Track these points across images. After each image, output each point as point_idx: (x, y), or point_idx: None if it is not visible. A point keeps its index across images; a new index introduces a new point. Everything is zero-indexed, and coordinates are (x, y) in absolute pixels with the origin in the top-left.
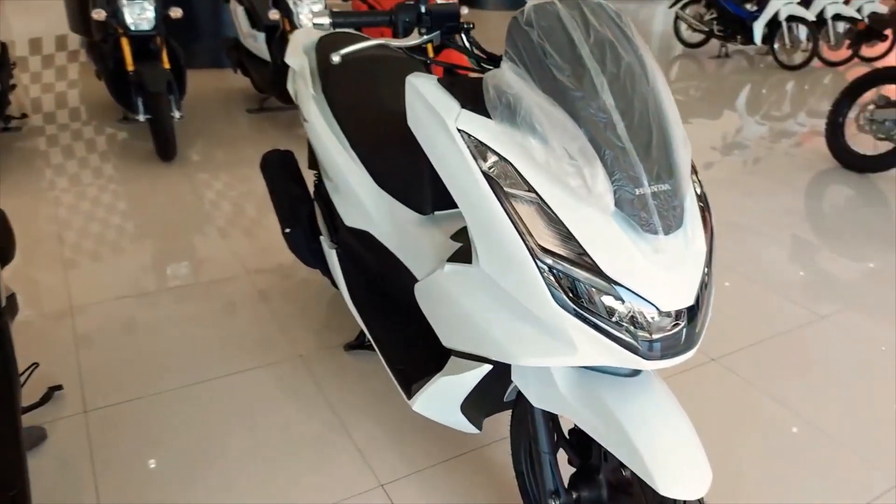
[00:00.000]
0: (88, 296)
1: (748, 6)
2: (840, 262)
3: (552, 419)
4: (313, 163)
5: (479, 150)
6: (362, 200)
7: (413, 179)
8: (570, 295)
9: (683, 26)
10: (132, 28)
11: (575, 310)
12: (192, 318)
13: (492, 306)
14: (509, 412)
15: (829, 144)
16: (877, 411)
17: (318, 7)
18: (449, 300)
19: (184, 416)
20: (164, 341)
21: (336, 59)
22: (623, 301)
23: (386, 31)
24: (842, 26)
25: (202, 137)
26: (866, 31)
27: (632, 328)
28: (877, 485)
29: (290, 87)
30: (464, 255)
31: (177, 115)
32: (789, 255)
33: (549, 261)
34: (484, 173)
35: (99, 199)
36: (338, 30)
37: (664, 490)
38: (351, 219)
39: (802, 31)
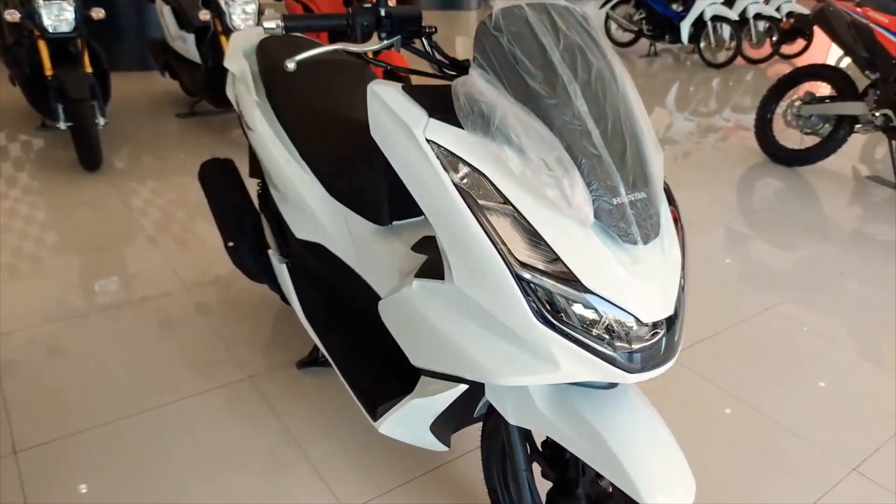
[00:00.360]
0: (10, 321)
1: (675, 6)
2: (776, 253)
3: (526, 433)
4: (255, 171)
5: (450, 160)
6: (314, 211)
7: (369, 189)
8: (550, 310)
9: (614, 26)
10: (50, 30)
11: (556, 325)
12: (129, 340)
13: (467, 324)
14: (476, 425)
15: (758, 139)
16: (827, 399)
17: (251, 7)
18: (418, 318)
19: (126, 451)
20: (100, 368)
21: (291, 65)
22: (604, 314)
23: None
24: (762, 25)
25: (129, 144)
26: (791, 30)
27: (613, 341)
28: (832, 472)
29: (229, 92)
30: (431, 268)
31: (101, 121)
32: (726, 247)
33: (528, 275)
34: (455, 185)
35: (18, 214)
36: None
37: (649, 501)
38: (302, 231)
39: (726, 31)
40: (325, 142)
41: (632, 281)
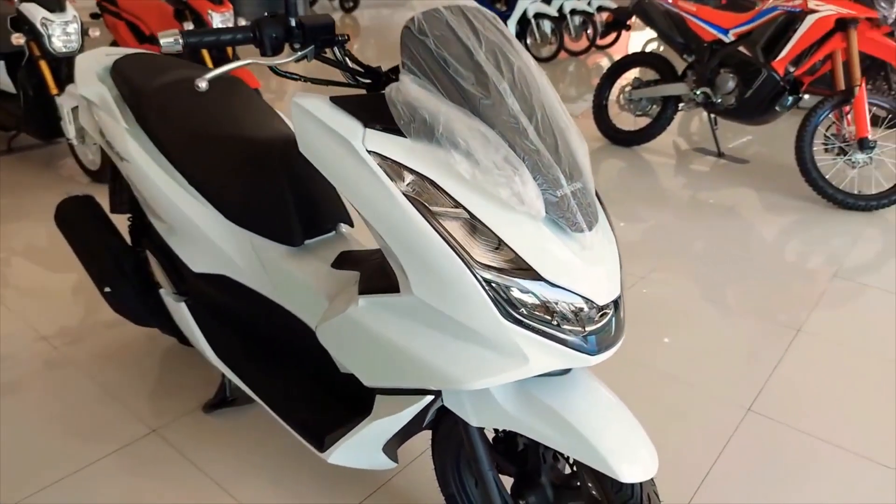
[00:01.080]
0: None
1: (499, 6)
2: (633, 227)
3: (482, 433)
4: (119, 206)
5: (394, 170)
6: (213, 241)
7: (275, 209)
8: (513, 306)
9: None
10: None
11: (521, 320)
12: (4, 419)
13: (429, 334)
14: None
15: (597, 124)
16: (714, 352)
17: (72, 27)
18: (371, 337)
19: None
20: None
21: (203, 84)
22: (564, 302)
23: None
24: (578, 20)
25: None
26: (614, 22)
27: (573, 327)
28: (729, 418)
29: (83, 122)
30: (373, 283)
31: None
32: None
33: (489, 275)
34: (404, 194)
35: None
36: (132, 50)
37: (625, 476)
38: (201, 264)
39: (548, 27)
40: (216, 164)
41: (583, 267)
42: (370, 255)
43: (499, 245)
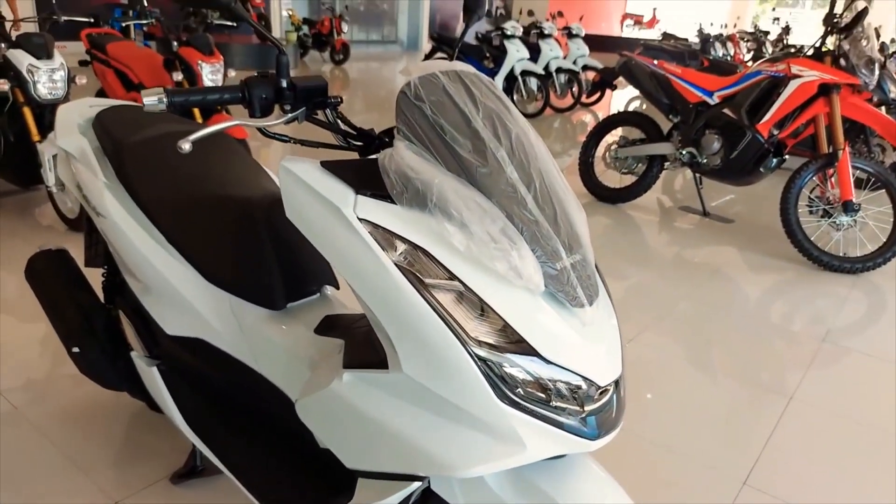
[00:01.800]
0: None
1: (487, 63)
2: (619, 285)
3: None
4: (93, 259)
5: (386, 239)
6: (190, 302)
7: (257, 270)
8: (508, 387)
9: None
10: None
11: (517, 402)
12: None
13: (420, 415)
14: None
15: (583, 181)
16: (707, 420)
17: (59, 75)
18: (355, 415)
19: None
20: None
21: (186, 146)
22: (563, 383)
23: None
24: (563, 77)
25: None
26: (600, 82)
27: (574, 410)
28: (725, 493)
29: (61, 174)
30: (358, 356)
31: None
32: None
33: (485, 353)
34: (396, 265)
35: None
36: (118, 102)
37: None
38: (175, 326)
39: (534, 84)
40: (197, 222)
41: (584, 344)
42: (356, 320)
43: (497, 322)
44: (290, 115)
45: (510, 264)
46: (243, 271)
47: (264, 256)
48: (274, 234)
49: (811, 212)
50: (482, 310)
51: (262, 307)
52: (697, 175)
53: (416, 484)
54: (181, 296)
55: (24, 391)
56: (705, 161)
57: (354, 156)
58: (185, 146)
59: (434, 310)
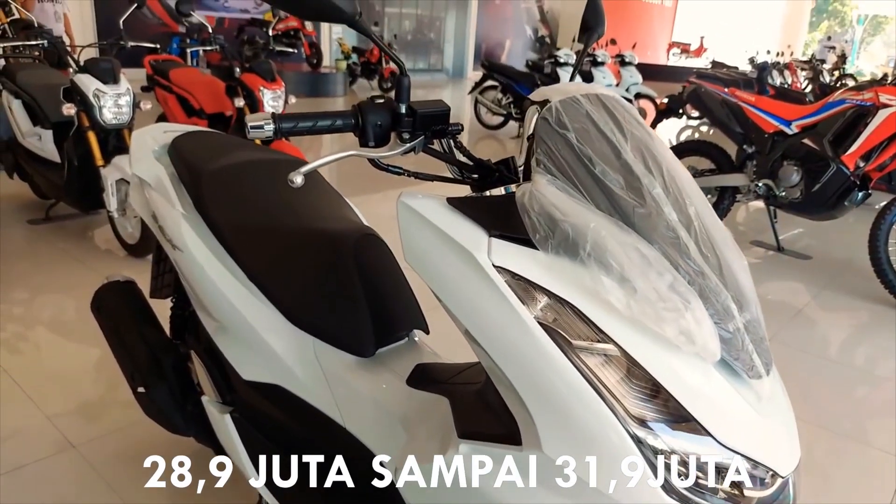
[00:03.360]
0: None
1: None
2: None
3: None
4: (159, 290)
5: (525, 291)
6: (270, 346)
7: (346, 313)
8: (675, 476)
9: (483, 110)
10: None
11: (686, 497)
12: None
13: None
14: None
15: None
16: (814, 477)
17: (125, 100)
18: (472, 498)
19: None
20: None
21: (299, 180)
22: (740, 471)
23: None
24: None
25: None
26: (666, 110)
27: (739, 498)
28: None
29: (134, 202)
30: (479, 426)
31: None
32: None
33: (645, 434)
34: (539, 322)
35: None
36: (194, 128)
37: None
38: (252, 371)
39: None
40: (279, 258)
41: (763, 424)
42: (455, 373)
43: (658, 395)
44: (407, 144)
45: (681, 328)
46: (331, 313)
47: (353, 297)
48: (363, 274)
49: None
50: (641, 382)
51: (349, 353)
52: (772, 208)
53: None
54: (260, 338)
55: (80, 425)
56: (783, 193)
57: (468, 191)
58: (298, 179)
59: (584, 377)
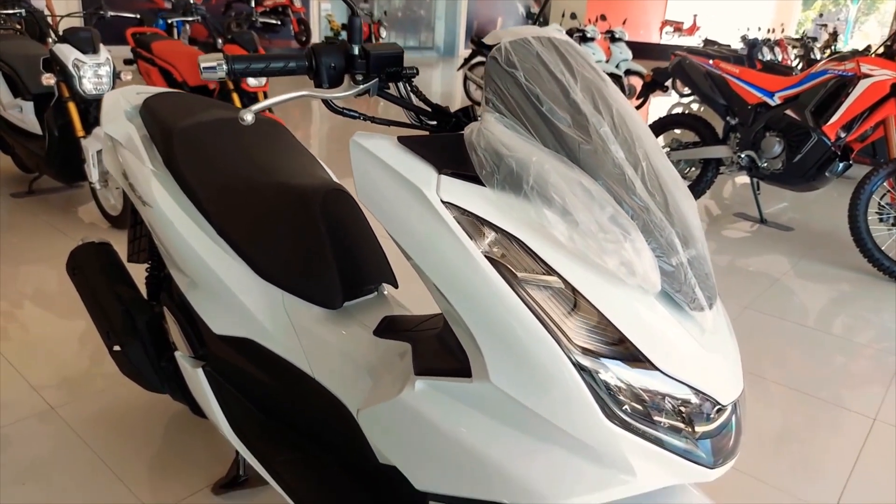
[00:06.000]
0: None
1: None
2: None
3: None
4: (136, 255)
5: (473, 226)
6: (240, 300)
7: (313, 266)
8: (616, 402)
9: (472, 86)
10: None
11: (627, 422)
12: None
13: (507, 433)
14: None
15: None
16: (785, 441)
17: (104, 70)
18: (429, 430)
19: None
20: None
21: (249, 117)
22: (677, 399)
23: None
24: None
25: None
26: (651, 83)
27: (689, 431)
28: None
29: (107, 163)
30: (430, 362)
31: None
32: None
33: (590, 363)
34: (486, 256)
35: None
36: (166, 90)
37: None
38: (223, 325)
39: None
40: (248, 213)
41: (704, 355)
42: (420, 322)
43: (601, 324)
44: (361, 86)
45: (622, 259)
46: (298, 266)
47: (322, 251)
48: (331, 227)
49: (881, 219)
50: (584, 312)
51: (317, 306)
52: (755, 180)
53: None
54: (230, 292)
55: (60, 389)
56: (765, 165)
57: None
58: (248, 117)
59: (529, 309)
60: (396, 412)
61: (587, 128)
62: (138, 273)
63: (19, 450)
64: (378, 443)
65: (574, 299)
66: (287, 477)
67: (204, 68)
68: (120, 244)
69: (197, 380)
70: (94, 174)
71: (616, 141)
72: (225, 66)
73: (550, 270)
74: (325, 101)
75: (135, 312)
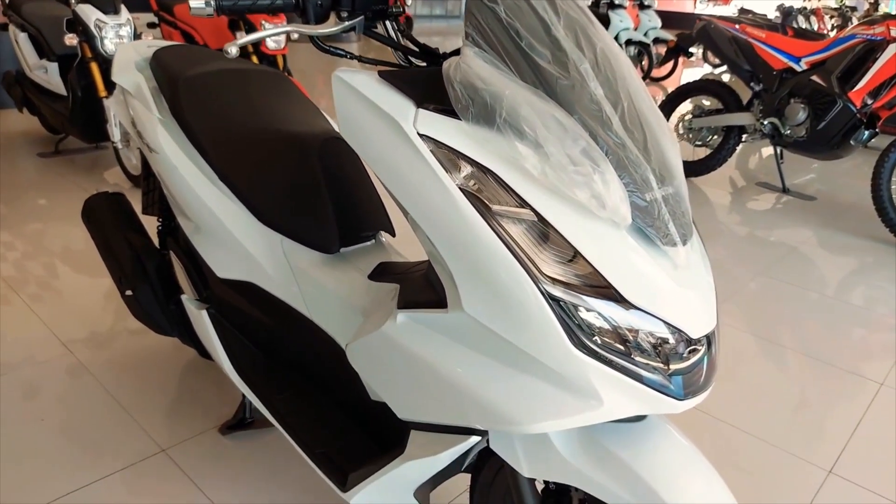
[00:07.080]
0: None
1: None
2: None
3: (532, 482)
4: (150, 207)
5: (450, 159)
6: (241, 244)
7: (311, 212)
8: (586, 333)
9: None
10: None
11: (595, 351)
12: (6, 421)
13: (480, 361)
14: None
15: None
16: (788, 406)
17: (125, 30)
18: (407, 360)
19: None
20: None
21: (234, 50)
22: (647, 332)
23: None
24: (633, 50)
25: None
26: (675, 48)
27: (659, 365)
28: (809, 481)
29: (116, 110)
30: (414, 297)
31: None
32: None
33: (560, 293)
34: (461, 188)
35: None
36: (176, 43)
37: None
38: (226, 269)
39: None
40: (251, 160)
41: (675, 290)
42: (413, 267)
43: (572, 257)
44: (347, 22)
45: (593, 192)
46: (297, 212)
47: (319, 197)
48: (329, 175)
49: None
50: (562, 246)
51: (315, 250)
52: (778, 148)
53: (474, 439)
54: (232, 236)
55: (85, 342)
56: (789, 132)
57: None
58: (232, 50)
59: (502, 241)
60: (379, 344)
61: (566, 64)
62: (152, 225)
63: (41, 392)
64: (364, 375)
65: (546, 232)
66: (286, 415)
67: (193, 6)
68: (138, 201)
69: (202, 322)
70: (115, 133)
71: (597, 79)
72: (213, 3)
73: (524, 203)
74: (313, 40)
75: (145, 258)
